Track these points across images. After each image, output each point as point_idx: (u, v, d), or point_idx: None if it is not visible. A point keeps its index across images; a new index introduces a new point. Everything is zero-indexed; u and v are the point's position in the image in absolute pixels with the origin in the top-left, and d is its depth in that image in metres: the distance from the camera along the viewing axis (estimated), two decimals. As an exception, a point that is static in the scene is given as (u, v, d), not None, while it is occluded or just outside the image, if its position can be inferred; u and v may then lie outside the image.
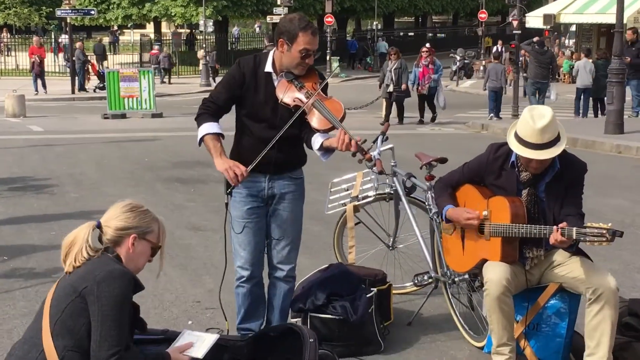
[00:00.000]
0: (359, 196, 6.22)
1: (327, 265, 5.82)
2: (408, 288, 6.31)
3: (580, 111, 22.96)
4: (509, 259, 4.69)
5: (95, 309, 3.37)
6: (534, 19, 38.60)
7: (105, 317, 3.36)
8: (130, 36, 58.62)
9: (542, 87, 22.42)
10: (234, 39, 53.86)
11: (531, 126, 4.54)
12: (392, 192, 6.18)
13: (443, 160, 5.79)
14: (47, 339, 3.40)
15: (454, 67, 39.84)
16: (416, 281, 5.85)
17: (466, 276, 5.38)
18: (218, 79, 23.45)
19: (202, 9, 40.24)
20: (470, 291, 5.48)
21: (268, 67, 4.82)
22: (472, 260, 4.88)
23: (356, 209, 6.18)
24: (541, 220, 4.70)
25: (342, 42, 51.73)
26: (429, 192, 5.74)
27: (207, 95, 5.11)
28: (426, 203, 5.80)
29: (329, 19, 43.33)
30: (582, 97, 22.97)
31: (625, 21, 37.52)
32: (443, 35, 66.73)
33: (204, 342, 3.91)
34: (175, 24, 48.76)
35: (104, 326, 3.35)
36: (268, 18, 43.39)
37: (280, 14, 40.74)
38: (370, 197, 6.22)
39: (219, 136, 4.76)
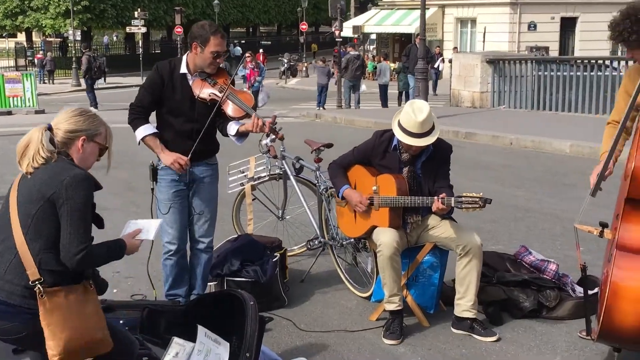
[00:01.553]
0: (255, 177, 5.99)
1: (236, 236, 5.57)
2: (297, 250, 6.17)
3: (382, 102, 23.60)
4: (395, 225, 4.62)
5: (64, 210, 3.09)
6: (346, 29, 39.22)
7: (73, 217, 3.08)
8: (5, 44, 55.10)
9: (355, 84, 22.95)
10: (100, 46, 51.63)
11: (413, 119, 4.48)
12: (281, 172, 6.00)
13: (329, 145, 5.65)
14: (21, 244, 3.09)
15: (282, 68, 39.96)
16: (309, 245, 5.71)
17: (352, 240, 5.27)
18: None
19: (71, 21, 38.23)
20: (355, 252, 5.37)
21: (183, 69, 4.57)
22: (364, 227, 4.77)
23: (253, 188, 5.95)
24: (419, 192, 4.66)
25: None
26: (318, 172, 5.59)
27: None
28: (316, 181, 5.63)
29: (179, 30, 42.36)
30: (383, 91, 23.63)
31: (413, 31, 38.81)
32: (269, 42, 66.77)
33: (151, 226, 3.56)
34: (46, 34, 46.00)
35: (73, 225, 3.08)
36: (127, 29, 41.71)
37: (137, 25, 39.39)
38: (265, 177, 6.00)
39: (156, 135, 4.53)
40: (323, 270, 5.84)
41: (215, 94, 4.50)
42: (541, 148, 12.42)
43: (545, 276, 4.98)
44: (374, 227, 4.70)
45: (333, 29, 24.78)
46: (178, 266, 4.77)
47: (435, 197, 4.44)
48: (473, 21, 38.38)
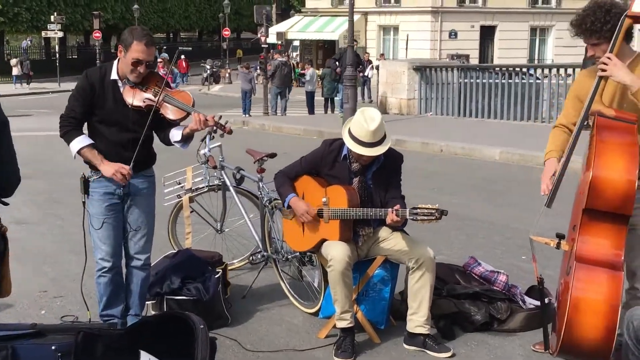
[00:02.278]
0: (193, 188, 5.71)
1: (175, 252, 5.28)
2: (237, 264, 5.93)
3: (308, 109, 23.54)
4: (346, 238, 4.44)
5: None
6: (270, 35, 39.01)
7: None
8: None
9: (283, 91, 22.82)
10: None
11: (365, 128, 4.32)
12: (220, 183, 5.75)
13: (273, 155, 5.42)
14: None
15: (205, 74, 39.39)
16: (251, 259, 5.47)
17: (297, 253, 5.06)
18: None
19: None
20: (300, 265, 5.17)
21: (113, 75, 4.28)
22: (313, 241, 4.57)
23: (191, 199, 5.67)
24: (369, 203, 4.50)
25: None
26: (261, 183, 5.36)
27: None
28: (259, 192, 5.40)
29: (97, 35, 41.31)
30: (310, 98, 23.58)
31: (337, 38, 39.01)
32: (190, 48, 65.86)
33: None
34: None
35: None
36: (43, 33, 40.30)
37: (53, 30, 38.13)
38: (203, 188, 5.73)
39: (92, 146, 4.22)
40: (265, 285, 5.60)
41: (150, 99, 4.23)
42: (471, 155, 12.52)
43: (495, 287, 4.90)
44: (323, 241, 4.51)
45: (259, 35, 24.50)
46: (113, 284, 4.46)
47: (389, 209, 4.28)
48: (395, 29, 38.85)
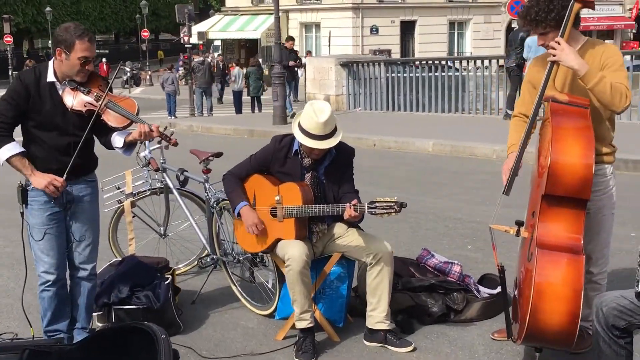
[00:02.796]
0: (134, 192, 5.50)
1: (120, 259, 5.06)
2: (183, 269, 5.75)
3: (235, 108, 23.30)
4: (301, 236, 4.34)
5: None
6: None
7: None
8: None
9: (206, 90, 22.56)
10: None
11: (315, 120, 4.23)
12: (162, 186, 5.55)
13: (219, 155, 5.25)
14: None
15: (125, 77, 38.57)
16: (200, 263, 5.29)
17: (248, 255, 4.93)
18: None
19: None
20: (252, 267, 5.03)
21: (50, 77, 4.04)
22: (267, 241, 4.45)
23: (132, 204, 5.46)
24: (323, 199, 4.41)
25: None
26: (207, 184, 5.20)
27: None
28: (205, 193, 5.23)
29: (8, 39, 39.93)
30: (237, 97, 23.37)
31: (259, 37, 38.80)
32: (107, 51, 64.40)
33: None
34: None
35: None
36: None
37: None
38: (145, 192, 5.52)
39: (23, 155, 3.98)
40: (214, 289, 5.44)
41: (91, 104, 4.02)
42: (404, 148, 12.59)
43: (450, 278, 4.88)
44: (278, 240, 4.40)
45: (182, 35, 24.04)
46: (58, 298, 4.23)
47: (347, 204, 4.20)
48: (317, 26, 38.94)
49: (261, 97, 22.73)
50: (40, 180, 3.94)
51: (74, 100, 3.99)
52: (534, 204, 3.85)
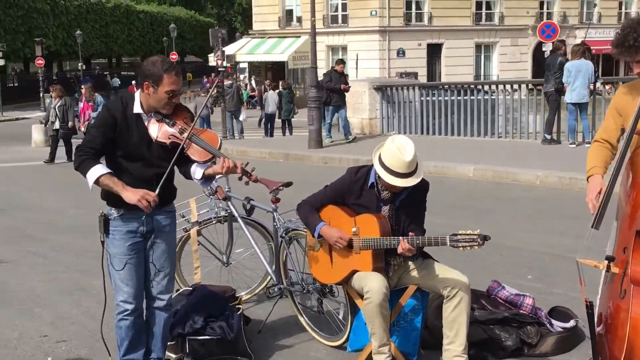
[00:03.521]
0: (200, 220, 5.49)
1: (190, 289, 5.04)
2: (245, 296, 5.71)
3: (268, 132, 23.37)
4: (378, 268, 4.29)
5: None
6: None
7: None
8: None
9: (235, 112, 22.68)
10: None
11: (400, 158, 4.17)
12: (227, 215, 5.54)
13: (289, 184, 5.23)
14: None
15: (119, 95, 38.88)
16: (268, 293, 5.25)
17: (317, 285, 4.89)
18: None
19: None
20: (321, 297, 4.99)
21: (137, 109, 4.05)
22: (343, 272, 4.41)
23: (198, 232, 5.45)
24: (399, 232, 4.37)
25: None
26: (275, 213, 5.17)
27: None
28: (274, 222, 5.20)
29: (40, 62, 40.44)
30: (269, 120, 23.46)
31: (286, 59, 39.02)
32: (133, 73, 65.05)
33: None
34: None
35: None
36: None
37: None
38: (212, 220, 5.51)
39: (112, 174, 3.96)
40: (279, 319, 5.40)
41: (176, 136, 4.03)
42: (444, 173, 12.51)
43: (522, 311, 4.81)
44: (354, 272, 4.36)
45: (215, 59, 24.22)
46: (135, 327, 4.21)
47: (401, 237, 4.17)
48: (344, 49, 39.07)
49: (292, 120, 22.81)
50: (133, 195, 3.88)
51: (158, 132, 3.99)
52: (625, 239, 3.75)
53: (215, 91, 23.12)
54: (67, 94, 17.22)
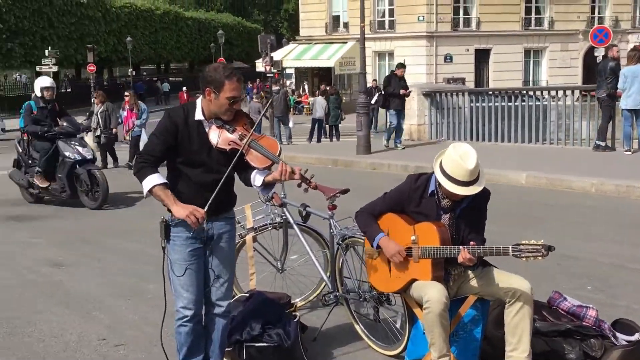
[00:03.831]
0: (255, 227, 5.50)
1: (247, 295, 5.04)
2: (298, 303, 5.68)
3: (315, 137, 23.34)
4: (438, 277, 4.23)
5: None
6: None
7: None
8: None
9: (283, 118, 22.72)
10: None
11: (462, 166, 4.12)
12: (282, 221, 5.53)
13: (345, 191, 5.20)
14: None
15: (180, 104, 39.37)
16: (324, 301, 5.22)
17: (374, 293, 4.85)
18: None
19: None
20: (378, 305, 4.94)
21: (198, 115, 4.07)
22: (401, 281, 4.36)
23: (254, 239, 5.45)
24: (459, 241, 4.30)
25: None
26: (332, 220, 5.15)
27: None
28: (331, 229, 5.17)
29: (91, 68, 41.19)
30: (316, 126, 23.44)
31: (333, 65, 39.03)
32: (180, 79, 65.87)
33: None
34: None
35: None
36: (37, 68, 40.02)
37: (48, 64, 37.86)
38: (267, 227, 5.51)
39: (166, 185, 3.99)
40: (334, 326, 5.36)
41: (235, 142, 4.03)
42: (496, 180, 12.31)
43: (585, 323, 4.68)
44: (413, 281, 4.30)
45: (263, 64, 24.36)
46: (194, 333, 4.22)
47: (462, 247, 4.10)
48: (391, 54, 38.96)
49: (339, 125, 22.78)
50: (182, 210, 3.91)
51: (218, 138, 4.01)
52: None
53: (271, 99, 23.02)
54: (109, 99, 16.72)
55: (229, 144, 4.03)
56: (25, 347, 5.23)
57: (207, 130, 4.05)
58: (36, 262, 7.67)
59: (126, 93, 17.30)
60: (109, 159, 16.52)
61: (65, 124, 11.32)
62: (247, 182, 4.17)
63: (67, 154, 10.99)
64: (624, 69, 13.43)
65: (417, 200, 4.36)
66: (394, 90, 16.08)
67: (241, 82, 4.07)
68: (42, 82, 11.45)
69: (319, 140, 22.69)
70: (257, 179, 4.10)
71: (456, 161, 4.12)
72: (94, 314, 5.95)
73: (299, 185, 4.09)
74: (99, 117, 16.13)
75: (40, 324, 5.72)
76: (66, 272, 7.29)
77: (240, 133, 4.05)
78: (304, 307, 5.79)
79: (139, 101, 17.07)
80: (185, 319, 4.17)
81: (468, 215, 4.34)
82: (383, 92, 16.05)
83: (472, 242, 4.15)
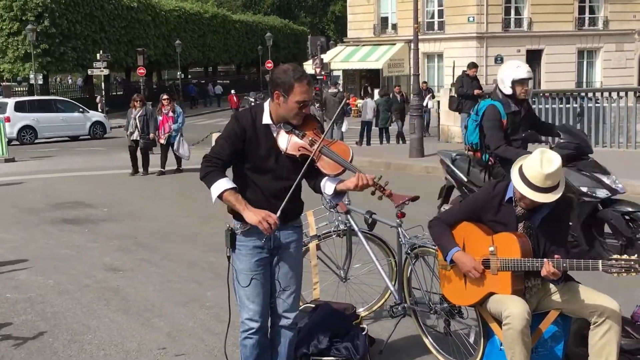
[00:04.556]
0: (319, 234, 5.32)
1: (314, 306, 4.87)
2: (362, 313, 5.48)
3: (364, 140, 23.07)
4: (518, 291, 4.00)
5: None
6: (310, 66, 39.10)
7: None
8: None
9: (337, 121, 22.46)
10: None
11: (538, 170, 3.89)
12: (345, 228, 5.34)
13: (415, 199, 4.98)
14: None
15: (249, 106, 39.30)
16: (392, 312, 5.00)
17: (445, 305, 4.63)
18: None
19: (32, 64, 37.29)
20: (449, 318, 4.72)
21: (266, 119, 3.89)
22: (479, 294, 4.13)
23: (317, 247, 5.28)
24: (537, 252, 4.06)
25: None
26: (400, 229, 4.94)
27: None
28: (399, 238, 4.97)
29: (141, 71, 41.68)
30: (366, 128, 23.17)
31: (381, 67, 38.74)
32: (228, 81, 66.19)
33: None
34: (4, 78, 44.31)
35: None
36: (89, 71, 40.68)
37: (99, 67, 38.41)
38: (331, 234, 5.33)
39: (236, 190, 3.79)
40: (401, 338, 5.16)
41: (305, 148, 3.84)
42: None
43: (673, 340, 4.39)
44: (490, 294, 4.07)
45: (313, 67, 24.23)
46: (260, 346, 4.05)
47: (546, 260, 3.86)
48: (440, 56, 38.55)
49: (390, 127, 22.47)
50: (254, 215, 3.71)
51: (287, 143, 3.84)
52: None
53: (342, 105, 22.55)
54: (145, 103, 15.99)
55: (299, 150, 3.85)
56: (87, 356, 5.14)
57: (275, 135, 3.89)
58: (92, 266, 7.62)
59: (164, 96, 16.20)
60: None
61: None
62: (317, 190, 3.99)
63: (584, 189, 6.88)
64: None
65: (496, 208, 4.13)
66: (467, 91, 15.36)
67: (312, 86, 3.90)
68: (517, 73, 6.55)
69: (368, 143, 22.44)
70: (328, 186, 3.89)
71: (535, 164, 3.90)
72: (154, 321, 5.84)
73: (373, 193, 3.89)
74: (137, 122, 15.33)
75: (99, 331, 5.64)
76: (123, 277, 7.21)
77: (310, 138, 3.87)
78: (368, 317, 5.59)
79: (175, 104, 16.17)
80: (251, 331, 4.01)
81: (548, 225, 4.10)
82: (456, 95, 15.34)
83: (556, 255, 3.91)
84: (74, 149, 24.30)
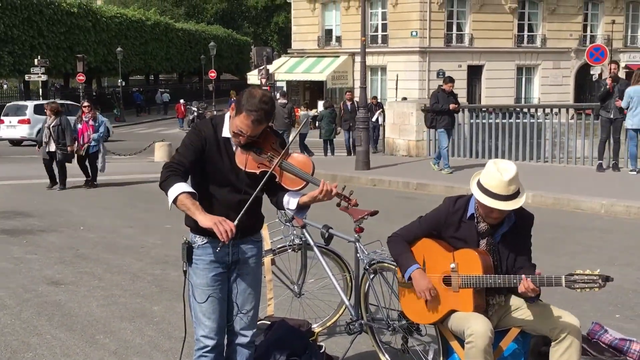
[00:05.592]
0: (274, 249, 5.19)
1: (269, 323, 4.72)
2: (316, 329, 5.36)
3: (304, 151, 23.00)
4: (480, 308, 3.95)
5: None
6: (253, 77, 38.98)
7: None
8: None
9: (283, 134, 22.34)
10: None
11: (498, 178, 3.86)
12: (300, 242, 5.23)
13: (374, 213, 4.90)
14: None
15: (191, 117, 38.89)
16: (349, 329, 4.89)
17: (403, 322, 4.55)
18: None
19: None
20: (407, 335, 4.64)
21: (225, 133, 3.75)
22: (440, 312, 4.05)
23: (272, 261, 5.14)
24: (498, 269, 4.02)
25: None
26: (358, 243, 4.84)
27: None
28: (357, 253, 4.86)
29: (81, 78, 40.85)
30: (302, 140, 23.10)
31: (324, 79, 38.86)
32: (168, 90, 65.38)
33: None
34: None
35: None
36: (26, 77, 39.59)
37: (37, 73, 37.44)
38: (286, 248, 5.20)
39: (193, 194, 3.59)
40: (355, 354, 5.06)
41: (264, 164, 3.71)
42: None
43: (629, 358, 4.41)
44: (451, 312, 4.01)
45: (258, 77, 24.06)
46: (215, 365, 3.90)
47: (524, 276, 3.82)
48: (383, 69, 38.82)
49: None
50: (208, 219, 3.48)
51: (246, 161, 3.69)
52: None
53: (304, 123, 22.00)
54: (63, 112, 14.82)
55: (259, 167, 3.71)
56: (27, 375, 4.89)
57: (234, 149, 3.75)
58: (32, 280, 7.31)
59: (85, 103, 15.21)
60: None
61: None
62: (280, 206, 3.84)
63: None
64: (629, 88, 13.30)
65: (456, 224, 4.07)
66: (442, 107, 14.61)
67: (257, 125, 3.62)
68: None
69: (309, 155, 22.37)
70: (291, 201, 3.75)
71: (493, 173, 3.88)
72: (98, 337, 5.59)
73: (338, 204, 3.78)
74: (51, 132, 14.08)
75: (40, 348, 5.37)
76: (65, 291, 6.92)
77: (269, 154, 3.73)
78: (323, 333, 5.48)
79: (97, 113, 15.18)
80: (206, 349, 3.84)
81: (510, 241, 4.06)
82: (429, 111, 14.79)
83: (537, 271, 3.88)
84: None
